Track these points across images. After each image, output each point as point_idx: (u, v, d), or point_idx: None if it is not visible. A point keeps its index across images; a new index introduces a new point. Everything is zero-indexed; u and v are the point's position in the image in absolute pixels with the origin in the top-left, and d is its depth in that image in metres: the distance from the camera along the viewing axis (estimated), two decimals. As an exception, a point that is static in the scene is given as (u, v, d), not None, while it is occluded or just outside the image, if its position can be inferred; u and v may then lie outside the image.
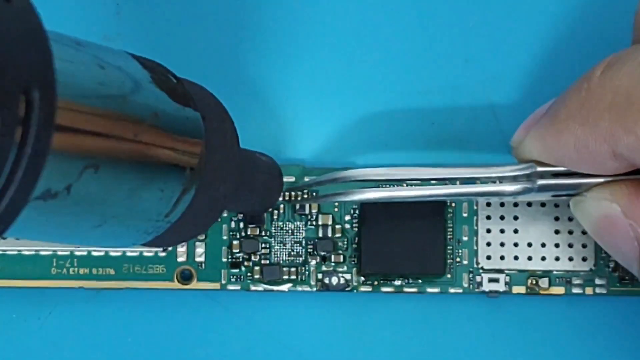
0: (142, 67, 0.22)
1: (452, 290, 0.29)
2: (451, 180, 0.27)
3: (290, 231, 0.29)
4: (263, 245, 0.29)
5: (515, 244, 0.29)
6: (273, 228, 0.29)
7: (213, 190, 0.23)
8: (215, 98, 0.24)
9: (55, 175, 0.18)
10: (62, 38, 0.19)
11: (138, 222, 0.22)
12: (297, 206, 0.29)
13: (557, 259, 0.29)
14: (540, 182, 0.25)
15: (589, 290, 0.29)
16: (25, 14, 0.17)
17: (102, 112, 0.19)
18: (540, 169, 0.25)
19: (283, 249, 0.29)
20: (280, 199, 0.29)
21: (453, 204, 0.29)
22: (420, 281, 0.29)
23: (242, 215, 0.29)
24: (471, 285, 0.29)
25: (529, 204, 0.29)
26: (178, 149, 0.22)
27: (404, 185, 0.28)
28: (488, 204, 0.29)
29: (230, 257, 0.29)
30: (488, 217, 0.29)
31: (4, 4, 0.16)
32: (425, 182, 0.27)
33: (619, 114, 0.22)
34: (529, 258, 0.29)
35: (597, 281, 0.29)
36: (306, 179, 0.29)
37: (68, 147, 0.18)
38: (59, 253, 0.29)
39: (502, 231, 0.29)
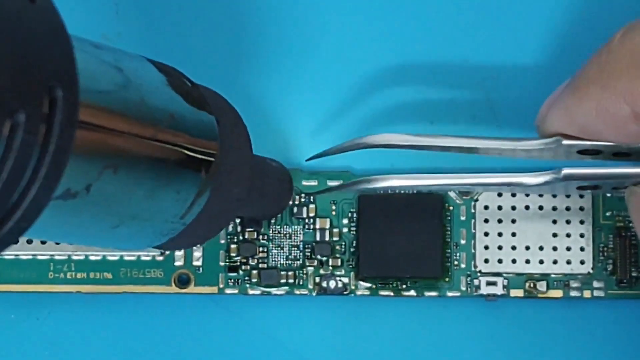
0: (158, 70, 0.22)
1: (450, 294, 0.29)
2: (475, 151, 0.26)
3: (288, 235, 0.29)
4: (261, 249, 0.29)
5: (513, 247, 0.29)
6: (271, 232, 0.29)
7: (227, 192, 0.23)
8: (228, 103, 0.25)
9: (75, 174, 0.18)
10: (81, 41, 0.19)
11: (154, 223, 0.22)
12: (295, 209, 0.29)
13: (555, 262, 0.29)
14: (566, 171, 0.24)
15: (587, 294, 0.29)
16: (48, 15, 0.17)
17: (121, 113, 0.19)
18: (566, 142, 0.24)
19: (281, 252, 0.29)
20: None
21: (451, 207, 0.29)
22: (418, 284, 0.29)
23: (239, 219, 0.29)
24: (469, 289, 0.29)
25: (527, 207, 0.29)
26: (193, 151, 0.22)
27: (413, 180, 0.27)
28: (486, 207, 0.29)
29: (227, 260, 0.29)
30: (486, 220, 0.29)
31: (28, 4, 0.17)
32: (449, 151, 0.26)
33: (638, 73, 0.22)
34: (527, 261, 0.29)
35: (595, 284, 0.29)
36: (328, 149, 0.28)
37: (89, 147, 0.18)
38: (56, 257, 0.29)
39: (500, 234, 0.29)
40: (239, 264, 0.29)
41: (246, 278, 0.29)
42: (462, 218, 0.29)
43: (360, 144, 0.25)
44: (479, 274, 0.29)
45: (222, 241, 0.29)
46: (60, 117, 0.17)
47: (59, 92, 0.17)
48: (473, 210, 0.29)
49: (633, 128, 0.23)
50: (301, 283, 0.29)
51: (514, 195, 0.29)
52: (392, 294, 0.29)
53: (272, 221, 0.29)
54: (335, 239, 0.29)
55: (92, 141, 0.19)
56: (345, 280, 0.29)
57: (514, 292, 0.29)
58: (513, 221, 0.29)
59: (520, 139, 0.25)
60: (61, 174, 0.17)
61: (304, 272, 0.29)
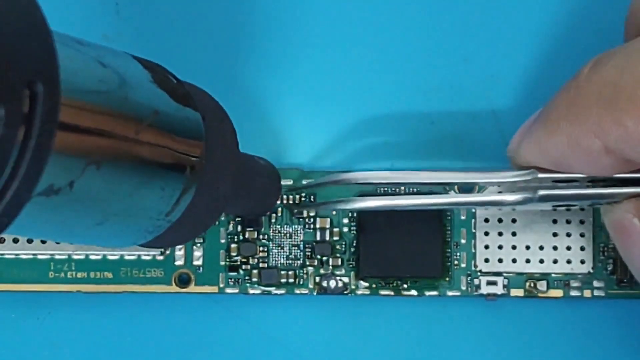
0: (143, 67, 0.22)
1: (450, 293, 0.29)
2: (452, 185, 0.27)
3: (288, 234, 0.29)
4: (261, 249, 0.29)
5: (514, 247, 0.29)
6: (271, 231, 0.29)
7: (213, 190, 0.23)
8: (214, 100, 0.24)
9: (58, 171, 0.18)
10: (64, 37, 0.19)
11: (139, 220, 0.22)
12: (295, 209, 0.29)
13: (555, 261, 0.29)
14: (542, 192, 0.25)
15: (587, 293, 0.29)
16: (29, 9, 0.17)
17: (104, 109, 0.19)
18: (541, 175, 0.25)
19: (281, 252, 0.29)
20: (279, 202, 0.29)
21: (451, 207, 0.29)
22: (418, 284, 0.29)
23: (240, 218, 0.29)
24: (469, 288, 0.29)
25: (527, 207, 0.29)
26: (178, 148, 0.22)
27: (403, 190, 0.28)
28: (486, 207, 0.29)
29: (228, 260, 0.29)
30: (486, 220, 0.29)
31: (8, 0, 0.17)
32: (426, 185, 0.27)
33: (607, 107, 0.22)
34: (527, 261, 0.29)
35: (596, 284, 0.29)
36: (305, 182, 0.29)
37: (71, 143, 0.18)
38: (57, 257, 0.29)
39: (500, 234, 0.29)
40: (239, 263, 0.29)
41: (246, 277, 0.29)
42: (462, 217, 0.29)
43: (338, 180, 0.26)
44: (479, 274, 0.29)
45: (223, 241, 0.29)
46: (40, 112, 0.17)
47: (40, 87, 0.17)
48: (473, 210, 0.29)
49: (605, 161, 0.23)
50: (301, 283, 0.29)
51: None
52: (392, 293, 0.29)
53: (273, 221, 0.29)
54: (335, 238, 0.29)
55: (74, 137, 0.18)
56: (346, 279, 0.29)
57: (514, 292, 0.29)
58: (513, 220, 0.29)
59: (497, 170, 0.26)
60: (42, 170, 0.17)
61: (304, 271, 0.29)
